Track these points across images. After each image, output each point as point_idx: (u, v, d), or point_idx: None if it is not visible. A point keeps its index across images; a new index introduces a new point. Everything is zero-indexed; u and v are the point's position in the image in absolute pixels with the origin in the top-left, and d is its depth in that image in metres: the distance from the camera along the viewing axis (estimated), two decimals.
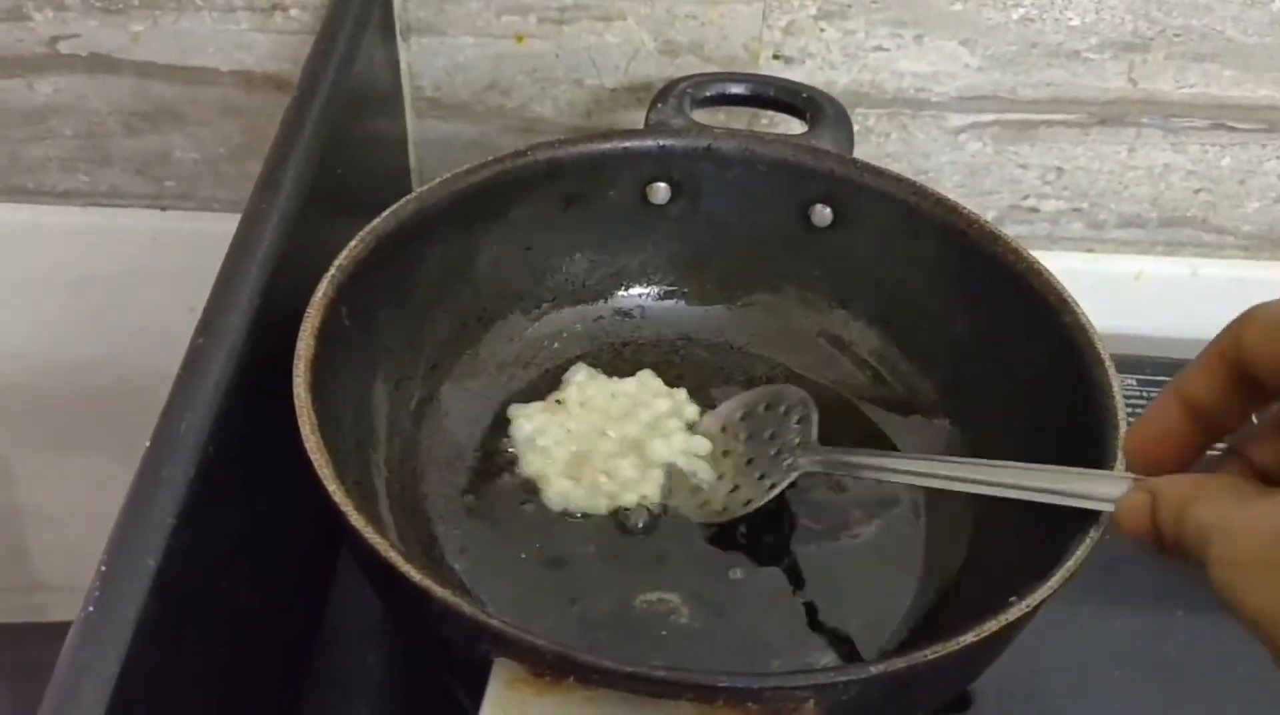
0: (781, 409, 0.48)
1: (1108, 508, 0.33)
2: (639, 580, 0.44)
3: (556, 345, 0.52)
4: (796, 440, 0.46)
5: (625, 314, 0.53)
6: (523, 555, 0.45)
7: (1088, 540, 0.36)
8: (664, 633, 0.43)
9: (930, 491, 0.47)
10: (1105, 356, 0.42)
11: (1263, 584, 0.26)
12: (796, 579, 0.45)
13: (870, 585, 0.45)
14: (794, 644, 0.43)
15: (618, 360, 0.52)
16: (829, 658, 0.43)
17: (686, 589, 0.44)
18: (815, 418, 0.46)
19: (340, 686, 0.47)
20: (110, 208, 0.66)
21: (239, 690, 0.39)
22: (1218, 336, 0.31)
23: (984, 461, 0.41)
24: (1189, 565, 0.28)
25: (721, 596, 0.44)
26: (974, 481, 0.39)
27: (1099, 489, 0.34)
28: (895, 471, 0.43)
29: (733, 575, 0.45)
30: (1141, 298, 0.67)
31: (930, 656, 0.32)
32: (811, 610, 0.44)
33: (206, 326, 0.38)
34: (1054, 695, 0.47)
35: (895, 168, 0.53)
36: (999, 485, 0.38)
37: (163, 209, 0.66)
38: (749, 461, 0.47)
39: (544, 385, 0.51)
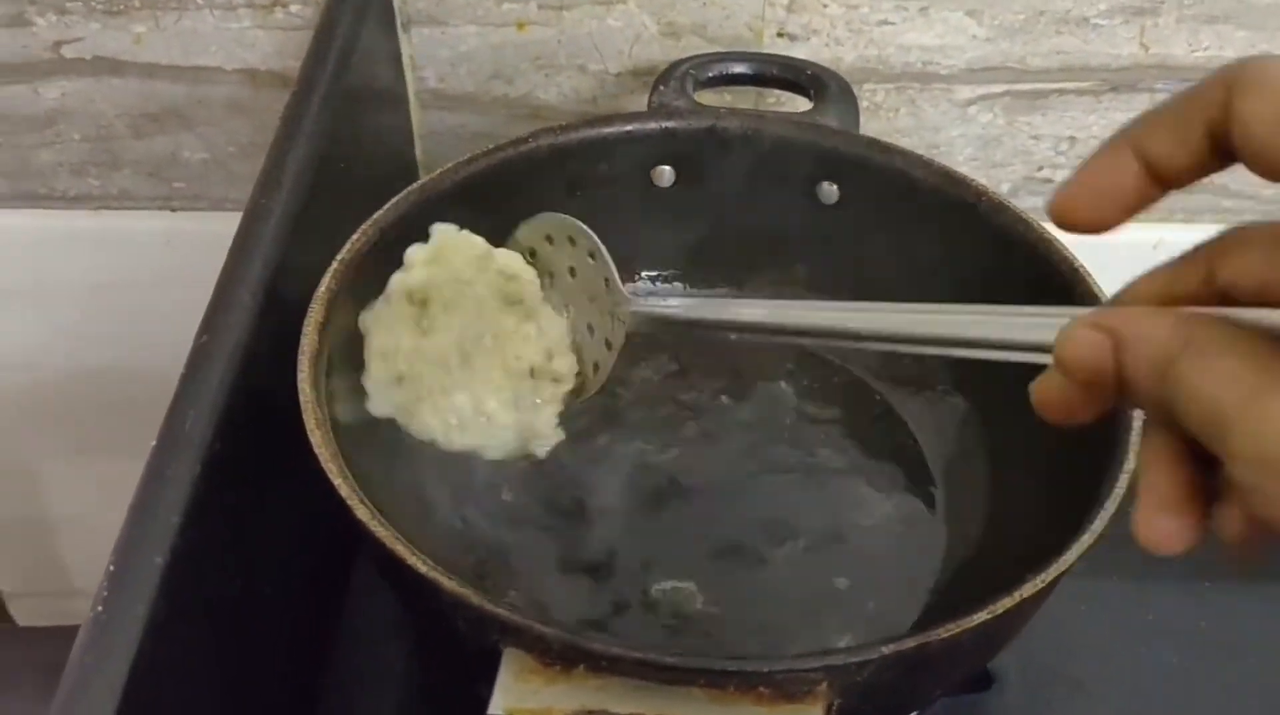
0: (569, 244, 0.41)
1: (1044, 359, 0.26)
2: (656, 567, 0.44)
3: None
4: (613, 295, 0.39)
5: None
6: (534, 543, 0.45)
7: (1104, 512, 0.35)
8: (681, 619, 0.43)
9: (946, 466, 0.47)
10: None
11: None
12: (814, 561, 0.45)
13: (890, 564, 0.45)
14: (812, 627, 0.43)
15: (627, 348, 0.52)
16: (847, 639, 0.42)
17: (703, 575, 0.44)
18: (605, 253, 0.39)
19: (360, 682, 0.47)
20: (122, 210, 0.66)
21: (254, 687, 0.39)
22: (1196, 90, 0.25)
23: (878, 306, 0.31)
24: (1165, 423, 0.24)
25: (738, 581, 0.44)
26: (857, 336, 0.31)
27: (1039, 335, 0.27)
28: (743, 326, 0.35)
29: (749, 559, 0.45)
30: None
31: (943, 635, 0.32)
32: (831, 592, 0.44)
33: (209, 324, 0.38)
34: (1079, 671, 0.46)
35: (905, 143, 0.52)
36: (892, 338, 0.31)
37: (174, 210, 0.66)
38: (590, 327, 0.41)
39: None
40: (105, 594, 0.31)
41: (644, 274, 0.53)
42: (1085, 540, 0.35)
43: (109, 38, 0.59)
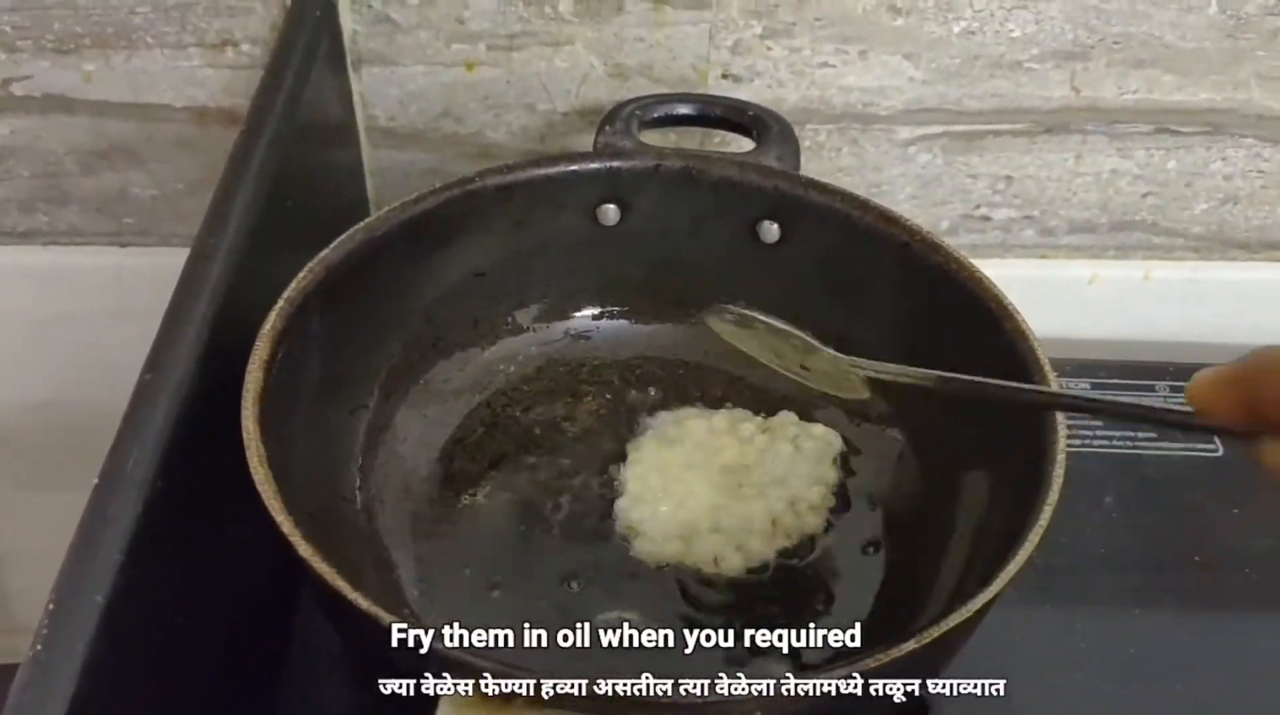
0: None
1: None
2: (598, 600, 0.45)
3: (512, 369, 0.52)
4: None
5: (579, 336, 0.54)
6: (478, 581, 0.45)
7: (1028, 543, 0.36)
8: (625, 650, 0.43)
9: (888, 493, 0.48)
10: (1045, 362, 0.42)
11: None
12: (761, 591, 0.46)
13: (836, 590, 0.46)
14: (756, 655, 0.43)
15: (573, 382, 0.53)
16: (789, 667, 0.43)
17: (646, 607, 0.45)
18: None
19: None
20: (71, 246, 0.66)
21: None
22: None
23: None
24: None
25: (682, 612, 0.45)
26: None
27: None
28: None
29: (694, 589, 0.46)
30: (1096, 302, 0.67)
31: (874, 664, 0.33)
32: (772, 621, 0.45)
33: (154, 362, 0.39)
34: (1013, 697, 0.47)
35: (848, 182, 0.54)
36: None
37: (123, 246, 0.66)
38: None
39: (498, 408, 0.51)
40: (45, 632, 0.31)
41: (588, 310, 0.54)
42: (1010, 570, 0.36)
43: (59, 75, 0.60)
